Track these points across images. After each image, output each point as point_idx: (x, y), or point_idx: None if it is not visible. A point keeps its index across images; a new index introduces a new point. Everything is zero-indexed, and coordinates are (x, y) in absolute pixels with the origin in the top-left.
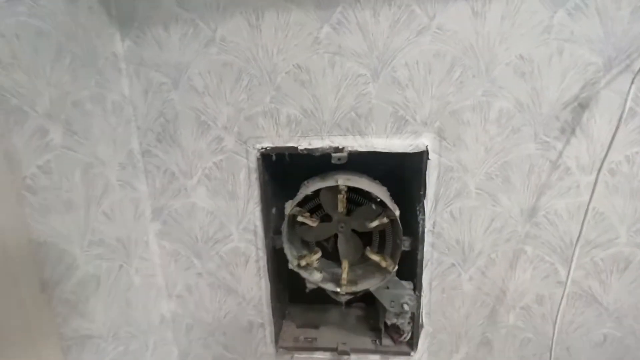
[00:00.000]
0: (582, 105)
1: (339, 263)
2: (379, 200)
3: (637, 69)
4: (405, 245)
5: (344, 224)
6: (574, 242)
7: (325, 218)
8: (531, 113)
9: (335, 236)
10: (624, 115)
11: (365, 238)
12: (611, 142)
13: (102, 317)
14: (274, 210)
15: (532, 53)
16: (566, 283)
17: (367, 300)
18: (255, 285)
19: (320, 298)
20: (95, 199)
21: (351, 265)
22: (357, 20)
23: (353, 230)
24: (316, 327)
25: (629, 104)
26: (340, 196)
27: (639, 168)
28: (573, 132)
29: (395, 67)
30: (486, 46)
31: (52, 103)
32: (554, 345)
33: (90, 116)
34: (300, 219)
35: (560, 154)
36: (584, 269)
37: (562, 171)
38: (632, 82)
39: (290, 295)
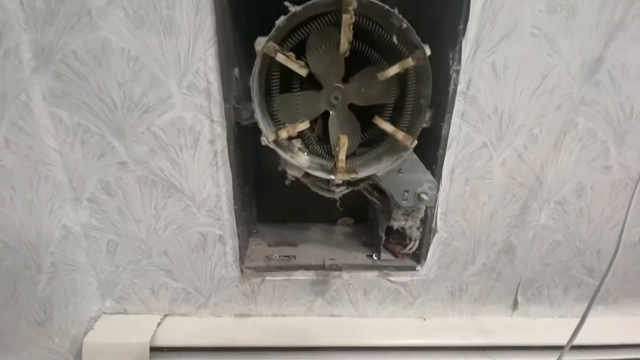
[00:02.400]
0: None
1: (326, 151)
2: (404, 27)
3: None
4: (425, 117)
5: (339, 95)
6: (634, 112)
7: (312, 87)
8: None
9: (324, 116)
10: None
11: (363, 120)
12: None
13: None
14: (236, 72)
15: None
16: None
17: (357, 215)
18: (209, 179)
19: (298, 215)
20: None
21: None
22: None
23: (350, 108)
24: (294, 245)
25: None
26: (346, 17)
27: None
28: None
29: None
30: None
31: None
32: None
33: None
34: (280, 59)
35: None
36: (637, 149)
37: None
38: None
39: (258, 212)
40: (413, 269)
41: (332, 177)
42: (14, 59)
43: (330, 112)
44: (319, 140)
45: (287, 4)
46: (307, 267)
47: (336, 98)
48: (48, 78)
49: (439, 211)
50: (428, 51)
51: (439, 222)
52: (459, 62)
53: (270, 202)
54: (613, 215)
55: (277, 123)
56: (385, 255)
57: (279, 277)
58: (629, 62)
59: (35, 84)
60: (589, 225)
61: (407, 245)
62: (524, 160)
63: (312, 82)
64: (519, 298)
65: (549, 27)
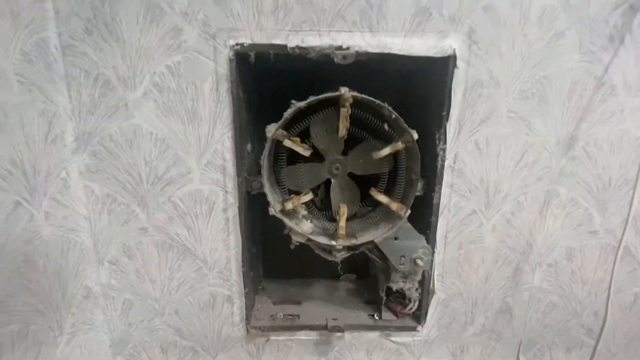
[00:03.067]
0: (633, 7)
1: (328, 216)
2: (393, 117)
3: None
4: (418, 187)
5: (339, 165)
6: (612, 182)
7: (315, 159)
8: (578, 13)
9: (326, 183)
10: None
11: (363, 185)
12: None
13: None
14: (249, 148)
15: None
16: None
17: (360, 271)
18: (221, 243)
19: (302, 271)
20: None
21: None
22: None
23: (349, 177)
24: (298, 303)
25: None
26: (344, 110)
27: None
28: (622, 41)
29: None
30: None
31: None
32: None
33: None
34: (287, 144)
35: (606, 68)
36: (620, 215)
37: (606, 91)
38: None
39: (264, 268)
40: (414, 329)
41: (334, 242)
42: (59, 144)
43: (332, 180)
44: (322, 204)
45: (293, 101)
46: (311, 327)
47: (337, 168)
48: (85, 157)
49: (435, 273)
50: (415, 135)
51: (437, 283)
52: (445, 142)
53: (277, 260)
54: (605, 277)
55: (283, 191)
56: (386, 314)
57: (283, 337)
58: (601, 139)
59: (74, 162)
60: (582, 286)
61: (407, 305)
62: (512, 226)
63: (315, 154)
64: (522, 359)
65: (523, 111)
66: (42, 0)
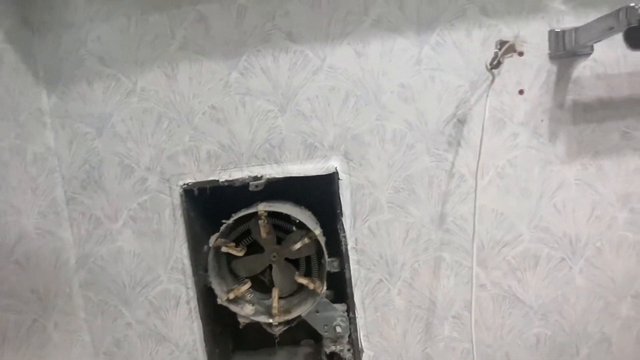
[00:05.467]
0: (460, 121)
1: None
2: (298, 221)
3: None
4: (334, 266)
5: (276, 254)
6: (485, 243)
7: (260, 250)
8: (420, 130)
9: (271, 268)
10: (485, 128)
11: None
12: (480, 150)
13: None
14: (205, 248)
15: (409, 82)
16: (472, 283)
17: (315, 336)
18: (187, 329)
19: (267, 340)
20: (7, 248)
21: (288, 295)
22: (260, 66)
23: (287, 260)
24: None
25: (486, 117)
26: (261, 222)
27: (521, 170)
28: (459, 144)
29: (298, 102)
30: (372, 78)
31: None
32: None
33: (7, 166)
34: (224, 249)
35: (453, 164)
36: (499, 269)
37: (457, 179)
38: (487, 96)
39: (236, 341)
40: None
41: (271, 320)
42: (64, 267)
43: (273, 266)
44: (271, 284)
45: (223, 221)
46: None
47: (274, 256)
48: (83, 274)
49: (362, 334)
50: (317, 232)
51: (364, 343)
52: (344, 231)
53: (243, 334)
54: (504, 322)
55: (238, 278)
56: None
57: None
58: (465, 213)
59: (75, 279)
60: (488, 332)
61: None
62: (415, 288)
63: (258, 247)
64: None
65: (399, 201)
66: (52, 172)
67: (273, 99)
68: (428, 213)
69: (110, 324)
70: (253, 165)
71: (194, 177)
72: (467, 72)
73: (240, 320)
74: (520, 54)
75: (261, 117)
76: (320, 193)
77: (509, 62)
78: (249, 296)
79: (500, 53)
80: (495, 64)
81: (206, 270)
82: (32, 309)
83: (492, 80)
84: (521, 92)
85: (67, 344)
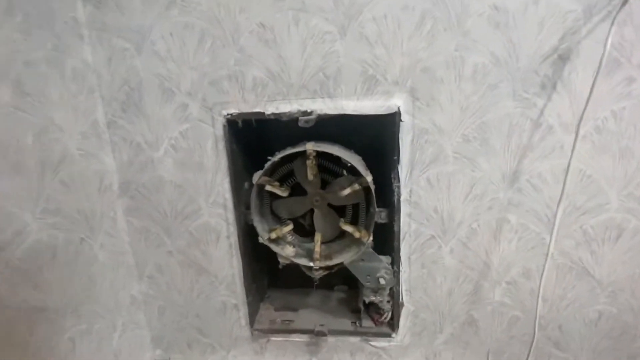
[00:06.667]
0: (562, 58)
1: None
2: (349, 165)
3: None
4: (382, 217)
5: (319, 198)
6: (560, 209)
7: (302, 192)
8: (508, 68)
9: (312, 212)
10: (602, 66)
11: (343, 212)
12: (589, 96)
13: (58, 290)
14: (246, 185)
15: (506, 2)
16: (548, 253)
17: (350, 282)
18: (227, 263)
19: (302, 281)
20: (52, 166)
21: (329, 241)
22: None
23: (329, 205)
24: (295, 310)
25: (606, 52)
26: (309, 162)
27: (627, 125)
28: (554, 87)
29: (362, 23)
30: None
31: None
32: (537, 324)
33: (46, 79)
34: (268, 188)
35: (542, 111)
36: (572, 238)
37: (544, 130)
38: (612, 26)
39: (272, 279)
40: (389, 335)
41: (311, 264)
42: (109, 192)
43: (315, 210)
44: (310, 228)
45: (269, 157)
46: (302, 331)
47: (317, 200)
48: (126, 200)
49: (404, 288)
50: (369, 178)
51: (405, 297)
52: (399, 180)
53: (280, 273)
54: (565, 294)
55: (278, 219)
56: (366, 322)
57: (280, 338)
58: (545, 172)
59: (118, 204)
60: (544, 303)
61: (382, 314)
62: (469, 249)
63: (301, 189)
64: None
65: (467, 152)
66: (92, 91)
67: (332, 18)
68: (500, 168)
69: (154, 250)
70: (303, 98)
71: (238, 107)
72: None
73: (281, 260)
74: None
75: (316, 39)
76: (375, 135)
77: None
78: (290, 238)
79: None
80: None
81: (248, 207)
82: (79, 229)
83: (624, 3)
84: None
85: (114, 264)
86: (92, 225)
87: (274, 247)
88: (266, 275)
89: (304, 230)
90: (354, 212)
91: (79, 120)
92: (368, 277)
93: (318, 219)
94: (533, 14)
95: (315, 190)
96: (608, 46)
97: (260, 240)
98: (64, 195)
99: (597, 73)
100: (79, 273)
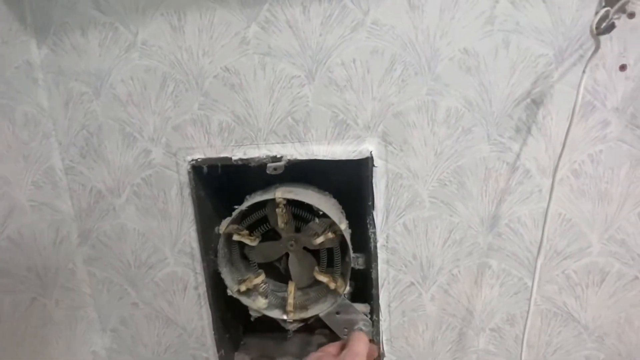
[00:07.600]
0: (535, 102)
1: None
2: (321, 213)
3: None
4: (359, 262)
5: (293, 242)
6: (542, 253)
7: (277, 235)
8: (482, 112)
9: (288, 255)
10: (576, 111)
11: (319, 257)
12: (565, 140)
13: (7, 358)
14: (216, 230)
15: (476, 46)
16: (530, 298)
17: None
18: (196, 314)
19: (279, 326)
20: None
21: (304, 288)
22: (286, 18)
23: (305, 249)
24: (272, 358)
25: (580, 96)
26: (279, 210)
27: (604, 168)
28: (529, 131)
29: (330, 67)
30: (426, 40)
31: None
32: None
33: None
34: (236, 238)
35: (518, 155)
36: (556, 283)
37: (521, 174)
38: (584, 72)
39: (248, 324)
40: None
41: (284, 317)
42: (66, 242)
43: (290, 254)
44: (286, 272)
45: (235, 207)
46: None
47: (291, 245)
48: (86, 249)
49: (384, 338)
50: (343, 226)
51: (386, 347)
52: (374, 226)
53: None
54: (551, 340)
55: (252, 265)
56: None
57: None
58: (524, 216)
59: (78, 254)
60: (529, 350)
61: None
62: (450, 295)
63: (275, 232)
64: None
65: (444, 197)
66: (47, 137)
67: (300, 62)
68: (478, 213)
69: (117, 302)
70: (272, 143)
71: (203, 152)
72: (555, 36)
73: (252, 313)
74: (631, 15)
75: (284, 84)
76: (349, 179)
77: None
78: (262, 287)
79: (612, 11)
80: (604, 28)
81: (216, 255)
82: (30, 288)
83: (596, 50)
84: (622, 67)
85: (71, 321)
86: (45, 282)
87: (244, 300)
88: (241, 323)
89: (279, 275)
90: (329, 258)
91: (31, 169)
92: (345, 329)
93: (293, 264)
94: (504, 58)
95: (290, 235)
96: (581, 90)
97: (229, 293)
98: (11, 253)
99: (572, 117)
100: (29, 336)
